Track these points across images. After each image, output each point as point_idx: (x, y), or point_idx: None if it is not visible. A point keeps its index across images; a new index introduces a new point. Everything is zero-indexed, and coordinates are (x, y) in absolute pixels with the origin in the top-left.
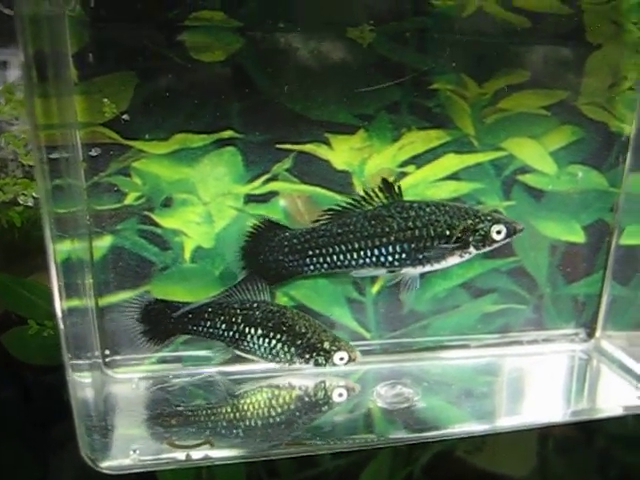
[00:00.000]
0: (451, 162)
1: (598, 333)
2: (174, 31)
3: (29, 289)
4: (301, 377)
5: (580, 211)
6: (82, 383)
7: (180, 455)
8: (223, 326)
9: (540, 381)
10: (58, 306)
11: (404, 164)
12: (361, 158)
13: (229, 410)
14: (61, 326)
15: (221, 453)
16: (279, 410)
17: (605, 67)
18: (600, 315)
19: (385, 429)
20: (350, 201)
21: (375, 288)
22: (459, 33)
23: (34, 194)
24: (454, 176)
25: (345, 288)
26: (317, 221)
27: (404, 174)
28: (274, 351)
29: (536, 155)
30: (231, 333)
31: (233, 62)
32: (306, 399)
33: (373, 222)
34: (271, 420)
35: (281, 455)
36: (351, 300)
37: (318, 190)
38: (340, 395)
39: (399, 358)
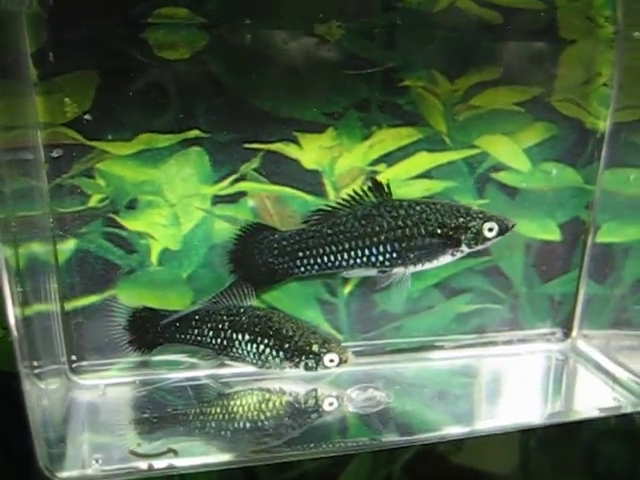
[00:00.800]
0: (423, 160)
1: (574, 332)
2: (137, 28)
3: None
4: (275, 382)
5: (555, 209)
6: (44, 390)
7: (144, 465)
8: (210, 333)
9: (516, 383)
10: (11, 312)
11: (375, 163)
12: (331, 157)
13: (196, 417)
14: (15, 333)
15: (185, 462)
16: (247, 416)
17: (579, 63)
18: (576, 314)
19: (354, 435)
20: (339, 201)
21: (347, 289)
22: (430, 28)
23: None
24: (426, 174)
25: (316, 289)
26: (306, 222)
27: (375, 173)
28: (263, 356)
29: (510, 152)
30: (219, 340)
31: (198, 60)
32: (275, 405)
33: (363, 222)
34: (238, 426)
35: (247, 463)
36: (323, 301)
37: (287, 190)
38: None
39: (372, 360)
